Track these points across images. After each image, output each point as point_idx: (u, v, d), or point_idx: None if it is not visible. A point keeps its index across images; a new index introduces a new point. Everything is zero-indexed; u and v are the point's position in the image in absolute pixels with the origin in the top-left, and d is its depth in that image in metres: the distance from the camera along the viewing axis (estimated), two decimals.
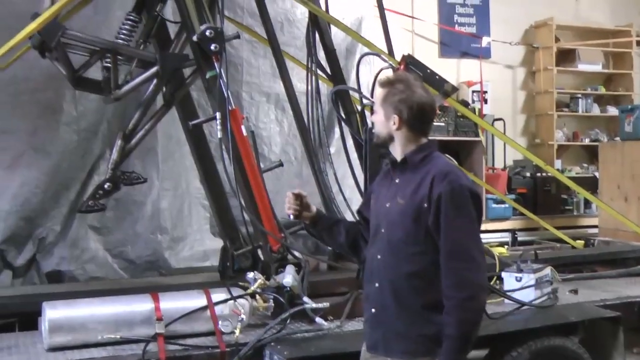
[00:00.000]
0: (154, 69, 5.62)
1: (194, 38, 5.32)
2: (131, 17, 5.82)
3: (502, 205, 9.81)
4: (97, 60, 5.50)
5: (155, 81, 5.80)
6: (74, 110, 7.00)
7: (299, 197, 3.76)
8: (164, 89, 5.95)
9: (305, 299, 4.80)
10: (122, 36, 5.74)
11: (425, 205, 3.28)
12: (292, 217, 3.80)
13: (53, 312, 4.44)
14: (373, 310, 3.47)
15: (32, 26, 5.18)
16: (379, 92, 3.51)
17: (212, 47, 5.26)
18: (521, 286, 5.33)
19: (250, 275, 4.87)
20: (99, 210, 5.95)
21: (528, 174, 10.53)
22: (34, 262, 6.91)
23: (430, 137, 3.54)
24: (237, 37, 5.96)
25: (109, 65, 5.50)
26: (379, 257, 3.45)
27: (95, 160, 7.15)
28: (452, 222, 3.23)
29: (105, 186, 5.78)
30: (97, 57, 5.48)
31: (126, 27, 5.79)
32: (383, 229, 3.45)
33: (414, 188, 3.35)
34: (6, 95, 6.69)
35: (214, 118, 5.26)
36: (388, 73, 4.91)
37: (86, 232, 7.06)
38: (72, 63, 5.51)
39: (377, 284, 3.44)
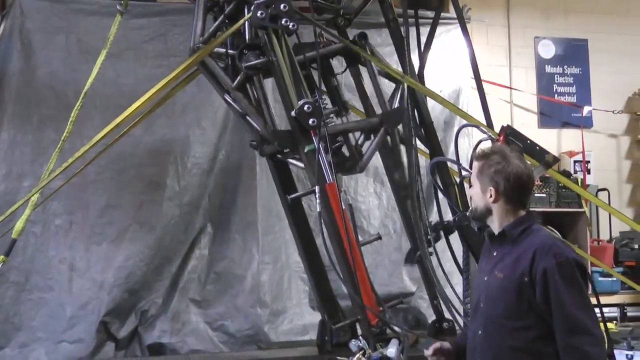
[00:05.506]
0: (380, 130, 5.94)
1: (292, 113, 5.41)
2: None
3: (609, 279, 9.46)
4: None
5: None
6: (177, 186, 7.20)
7: (436, 352, 3.64)
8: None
9: None
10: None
11: (526, 279, 3.20)
12: None
13: None
14: None
15: (139, 102, 5.39)
16: (475, 165, 3.48)
17: (310, 121, 5.34)
18: None
19: (354, 342, 4.80)
20: None
21: (636, 246, 10.13)
22: (137, 335, 7.00)
23: (531, 209, 3.47)
24: (336, 111, 6.04)
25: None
26: (479, 332, 3.37)
27: (196, 234, 7.29)
28: (564, 297, 3.14)
29: None
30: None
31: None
32: (482, 303, 3.38)
33: (513, 262, 3.28)
34: (114, 171, 6.95)
35: (313, 192, 5.30)
36: (487, 144, 4.87)
37: (187, 306, 7.15)
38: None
39: None
